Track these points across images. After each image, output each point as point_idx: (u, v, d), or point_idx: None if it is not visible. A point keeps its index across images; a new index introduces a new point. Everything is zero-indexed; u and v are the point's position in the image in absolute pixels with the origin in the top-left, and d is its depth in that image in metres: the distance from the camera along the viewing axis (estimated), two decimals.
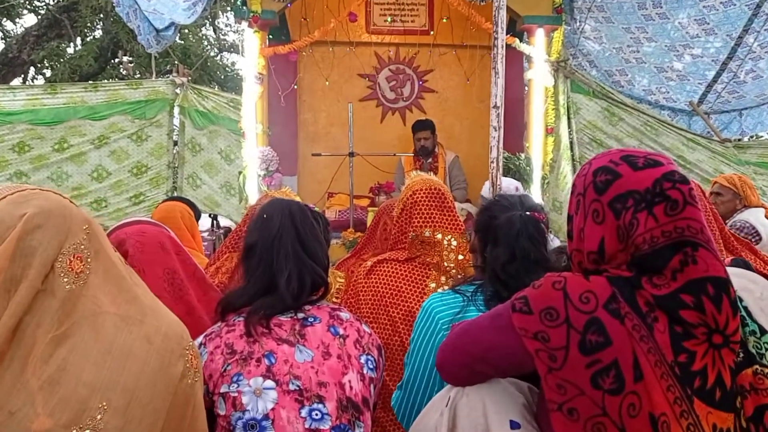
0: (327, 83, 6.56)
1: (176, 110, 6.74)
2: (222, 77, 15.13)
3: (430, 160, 6.04)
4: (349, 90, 6.62)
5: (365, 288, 2.44)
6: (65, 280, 1.20)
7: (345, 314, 1.80)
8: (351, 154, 5.19)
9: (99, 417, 1.14)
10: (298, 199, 2.16)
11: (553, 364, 1.27)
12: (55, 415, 1.11)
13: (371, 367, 1.73)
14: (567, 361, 1.25)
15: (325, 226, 1.94)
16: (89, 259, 1.26)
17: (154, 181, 6.68)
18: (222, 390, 1.57)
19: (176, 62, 7.38)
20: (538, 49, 5.50)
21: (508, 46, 3.70)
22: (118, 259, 1.36)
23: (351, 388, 1.64)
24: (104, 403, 1.15)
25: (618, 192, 1.31)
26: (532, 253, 1.82)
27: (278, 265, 1.74)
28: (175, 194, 6.55)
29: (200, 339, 1.67)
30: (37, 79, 13.74)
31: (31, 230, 1.18)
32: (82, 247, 1.25)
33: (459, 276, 2.28)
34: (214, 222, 5.94)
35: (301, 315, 1.73)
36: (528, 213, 1.89)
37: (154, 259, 1.92)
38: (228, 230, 5.76)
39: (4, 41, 13.25)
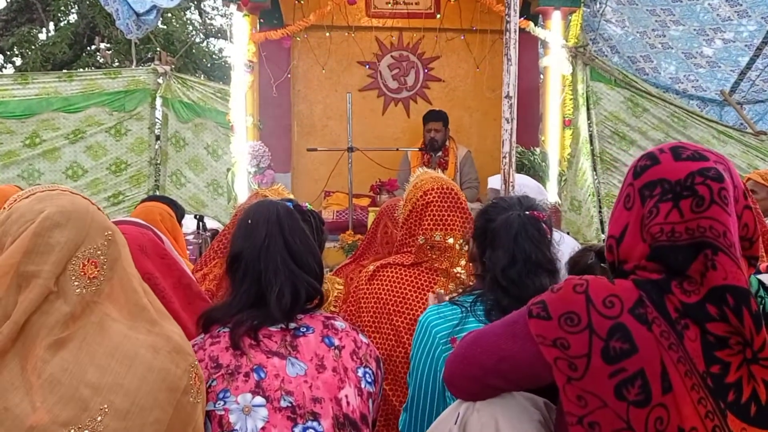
0: (323, 71, 6.56)
1: (158, 101, 6.74)
2: (208, 65, 15.13)
3: (439, 154, 6.04)
4: (347, 79, 6.62)
5: (367, 295, 2.43)
6: (76, 283, 1.29)
7: (340, 323, 1.79)
8: (350, 149, 5.19)
9: (99, 419, 1.20)
10: (292, 197, 2.15)
11: (573, 374, 1.26)
12: (54, 412, 1.17)
13: (369, 380, 1.72)
14: (588, 370, 1.25)
15: (318, 226, 1.93)
16: (105, 266, 1.35)
17: (135, 179, 6.69)
18: (207, 408, 1.56)
19: (158, 49, 7.37)
20: (555, 34, 5.50)
21: (522, 30, 3.70)
22: (137, 273, 1.44)
23: (348, 403, 1.63)
24: (105, 406, 1.21)
25: (650, 178, 1.33)
26: (534, 255, 1.83)
27: (267, 280, 1.73)
28: (157, 193, 6.55)
29: None
30: (6, 67, 13.74)
31: (50, 228, 1.28)
32: (99, 253, 1.34)
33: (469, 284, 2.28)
34: (200, 224, 5.92)
35: (292, 325, 1.72)
36: (527, 212, 1.89)
37: (133, 262, 1.92)
38: (215, 233, 5.75)
39: None
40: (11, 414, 1.16)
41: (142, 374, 1.28)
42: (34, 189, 1.37)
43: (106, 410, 1.20)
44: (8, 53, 13.28)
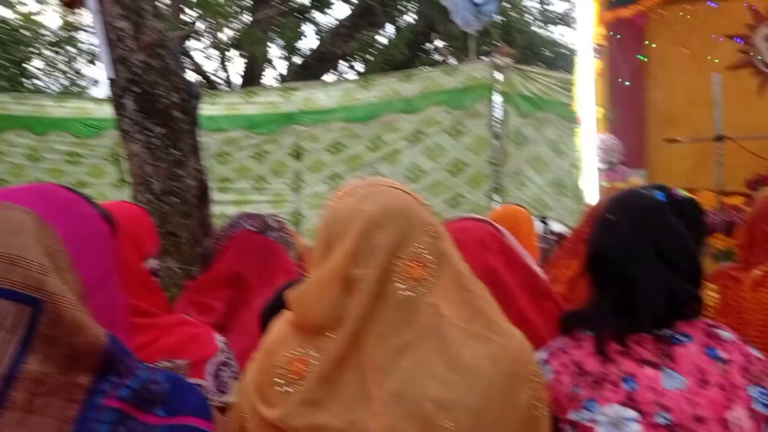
0: (684, 50, 6.27)
1: (496, 97, 6.93)
2: (549, 55, 15.27)
3: None
4: (714, 57, 6.24)
5: (752, 305, 2.28)
6: (401, 286, 1.33)
7: (726, 333, 1.69)
8: (718, 139, 4.92)
9: None
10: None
11: None
12: (400, 427, 1.23)
13: (764, 402, 1.60)
14: None
15: (697, 218, 1.84)
16: (432, 266, 1.37)
17: (473, 180, 6.92)
18: (571, 417, 1.58)
19: (495, 41, 7.62)
20: None
21: None
22: (466, 269, 1.46)
23: (740, 427, 1.53)
24: (452, 424, 1.23)
25: None
26: None
27: (634, 283, 1.69)
28: (495, 196, 6.74)
29: (543, 355, 1.70)
30: (347, 73, 15.31)
31: (372, 229, 1.33)
32: (424, 251, 1.37)
33: None
34: (545, 227, 6.00)
35: (666, 332, 1.66)
36: None
37: (472, 258, 2.00)
38: (561, 237, 5.79)
39: (318, 36, 14.97)
40: (357, 428, 1.23)
41: (483, 391, 1.28)
42: (357, 186, 1.42)
43: (453, 429, 1.22)
44: (349, 59, 14.77)
